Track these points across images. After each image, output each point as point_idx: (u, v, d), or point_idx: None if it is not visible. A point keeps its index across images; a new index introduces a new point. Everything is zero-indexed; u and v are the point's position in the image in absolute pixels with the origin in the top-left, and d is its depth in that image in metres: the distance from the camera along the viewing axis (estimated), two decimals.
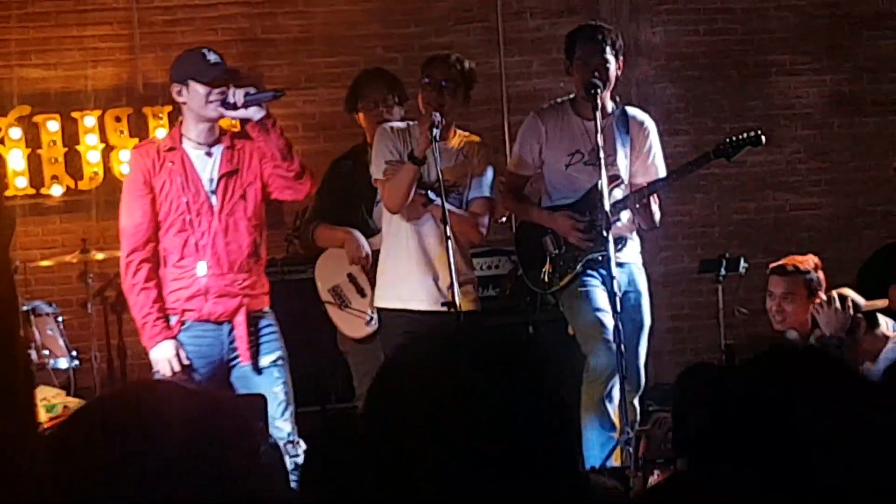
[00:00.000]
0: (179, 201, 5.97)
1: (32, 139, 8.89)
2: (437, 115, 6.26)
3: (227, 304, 6.02)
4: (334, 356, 7.21)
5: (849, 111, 9.87)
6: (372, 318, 6.87)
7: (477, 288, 6.74)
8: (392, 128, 6.60)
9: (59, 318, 7.95)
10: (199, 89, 5.92)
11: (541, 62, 9.40)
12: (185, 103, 5.99)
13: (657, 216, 6.63)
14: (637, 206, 6.58)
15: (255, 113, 5.93)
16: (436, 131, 6.22)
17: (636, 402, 6.61)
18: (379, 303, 6.59)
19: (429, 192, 6.34)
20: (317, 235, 7.11)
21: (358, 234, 6.94)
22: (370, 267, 6.86)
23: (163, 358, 5.92)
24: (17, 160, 8.83)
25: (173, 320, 5.98)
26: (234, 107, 5.93)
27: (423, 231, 6.46)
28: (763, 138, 6.71)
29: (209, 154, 6.04)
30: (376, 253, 6.80)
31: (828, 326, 6.39)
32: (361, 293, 6.97)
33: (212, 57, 5.97)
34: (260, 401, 5.73)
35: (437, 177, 6.25)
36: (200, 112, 5.97)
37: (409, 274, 6.46)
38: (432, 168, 6.31)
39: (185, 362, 5.96)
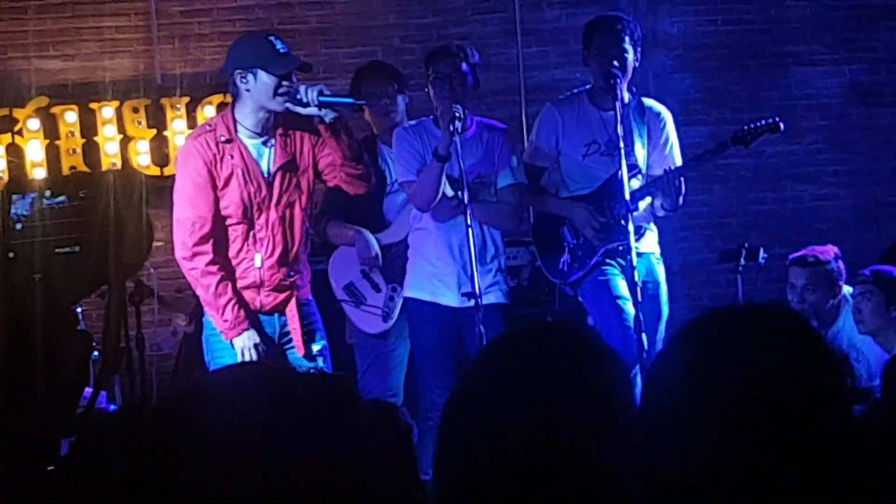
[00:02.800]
0: (240, 194, 5.81)
1: (50, 130, 8.90)
2: (458, 107, 6.25)
3: (278, 297, 5.95)
4: (342, 348, 7.18)
5: (867, 102, 9.84)
6: (389, 314, 6.89)
7: (507, 279, 6.76)
8: (408, 129, 6.63)
9: (78, 309, 7.96)
10: (266, 79, 5.71)
11: (558, 53, 9.38)
12: (247, 91, 5.78)
13: (681, 198, 6.61)
14: (667, 186, 6.52)
15: (326, 114, 5.75)
16: (458, 124, 6.21)
17: None
18: (409, 292, 6.63)
19: (458, 193, 6.32)
20: (328, 232, 7.03)
21: (367, 234, 6.89)
22: (383, 263, 6.89)
23: (249, 345, 5.81)
24: (35, 151, 8.85)
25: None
26: (305, 105, 5.73)
27: (451, 228, 6.45)
28: (781, 125, 6.69)
29: (265, 144, 5.87)
30: (390, 246, 6.86)
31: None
32: (376, 288, 6.96)
33: (280, 45, 5.78)
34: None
35: (460, 171, 6.24)
36: (264, 103, 5.76)
37: (438, 270, 6.50)
38: (454, 162, 6.30)
39: (263, 347, 5.87)
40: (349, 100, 6.01)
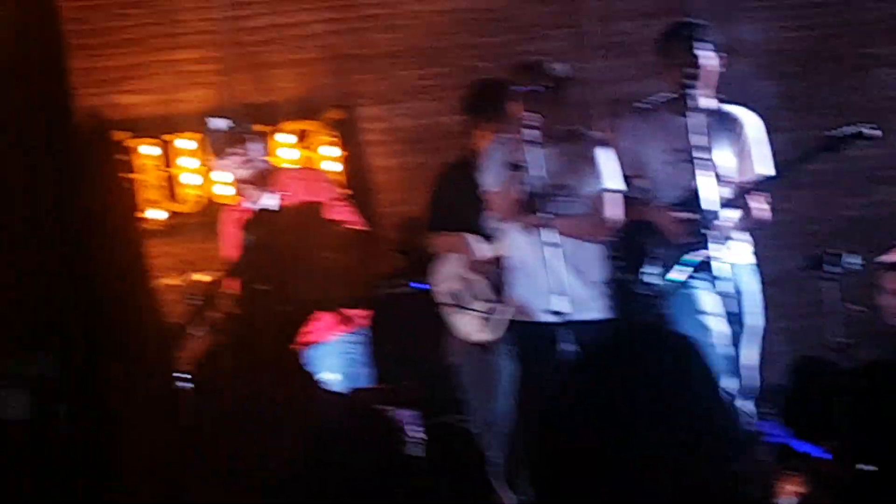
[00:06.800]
0: None
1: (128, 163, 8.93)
2: (531, 116, 6.19)
3: None
4: (440, 369, 7.13)
5: None
6: (489, 320, 6.79)
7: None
8: (499, 141, 6.57)
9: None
10: None
11: (633, 65, 9.29)
12: None
13: (764, 214, 6.51)
14: (744, 202, 6.47)
15: None
16: (534, 132, 6.14)
17: (747, 405, 6.47)
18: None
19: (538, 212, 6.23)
20: (433, 243, 7.08)
21: (469, 237, 6.86)
22: (491, 269, 6.80)
23: None
24: None
25: None
26: None
27: (535, 242, 6.34)
28: (878, 133, 6.56)
29: None
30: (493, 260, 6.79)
31: None
32: (476, 297, 6.88)
33: None
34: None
35: (540, 183, 6.19)
36: None
37: (530, 287, 6.39)
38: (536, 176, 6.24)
39: None
40: None
